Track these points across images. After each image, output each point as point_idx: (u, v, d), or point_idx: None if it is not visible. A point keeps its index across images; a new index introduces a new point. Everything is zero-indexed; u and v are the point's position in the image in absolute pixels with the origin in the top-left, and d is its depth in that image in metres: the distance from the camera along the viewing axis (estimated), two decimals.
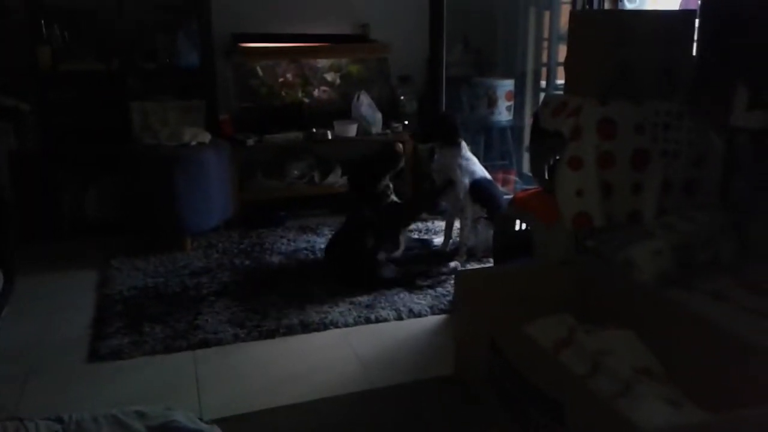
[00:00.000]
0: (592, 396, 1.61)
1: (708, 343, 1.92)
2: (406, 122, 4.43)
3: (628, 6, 3.58)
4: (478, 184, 3.48)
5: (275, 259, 3.53)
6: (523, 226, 2.97)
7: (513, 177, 4.55)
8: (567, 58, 2.71)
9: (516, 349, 1.97)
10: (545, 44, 4.78)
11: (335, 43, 4.37)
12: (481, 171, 3.53)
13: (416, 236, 3.88)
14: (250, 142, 4.03)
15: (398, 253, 3.48)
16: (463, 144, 3.54)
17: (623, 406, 1.64)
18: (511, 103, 4.54)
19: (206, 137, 3.78)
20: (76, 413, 1.94)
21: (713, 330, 1.93)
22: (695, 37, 2.57)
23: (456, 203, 3.54)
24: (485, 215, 3.50)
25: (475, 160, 3.55)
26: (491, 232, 3.37)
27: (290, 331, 2.73)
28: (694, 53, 2.58)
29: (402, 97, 4.57)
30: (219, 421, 2.05)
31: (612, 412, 1.51)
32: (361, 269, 3.20)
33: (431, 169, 3.64)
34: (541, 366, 1.84)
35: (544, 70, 4.80)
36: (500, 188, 3.86)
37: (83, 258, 3.54)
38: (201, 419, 2.01)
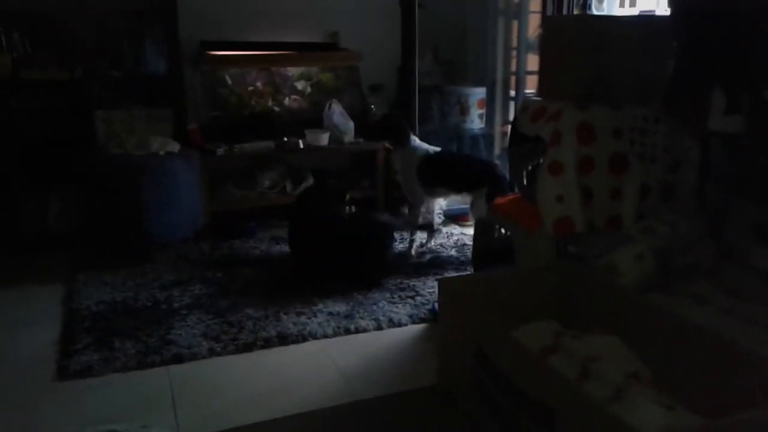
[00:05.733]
0: (586, 401, 1.58)
1: (692, 347, 1.92)
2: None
3: (596, 13, 3.62)
4: (430, 159, 3.55)
5: (248, 270, 3.45)
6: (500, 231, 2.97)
7: None
8: (542, 63, 2.71)
9: (503, 356, 1.94)
10: (514, 53, 4.81)
11: (305, 51, 4.32)
12: (432, 147, 3.62)
13: None
14: (220, 151, 3.95)
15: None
16: (413, 138, 3.62)
17: (618, 411, 1.62)
18: (483, 111, 4.56)
19: (175, 146, 3.70)
20: None
21: (697, 333, 1.93)
22: (671, 43, 2.59)
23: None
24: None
25: (422, 144, 3.64)
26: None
27: (268, 343, 2.65)
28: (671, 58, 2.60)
29: (372, 106, 4.54)
30: None
31: (608, 418, 1.48)
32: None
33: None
34: (531, 372, 1.81)
35: (513, 78, 4.83)
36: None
37: (47, 272, 3.40)
38: None
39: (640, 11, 3.53)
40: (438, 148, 3.65)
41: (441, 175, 3.52)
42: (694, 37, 2.51)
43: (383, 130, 3.73)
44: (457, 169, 3.55)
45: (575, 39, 2.52)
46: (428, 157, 3.55)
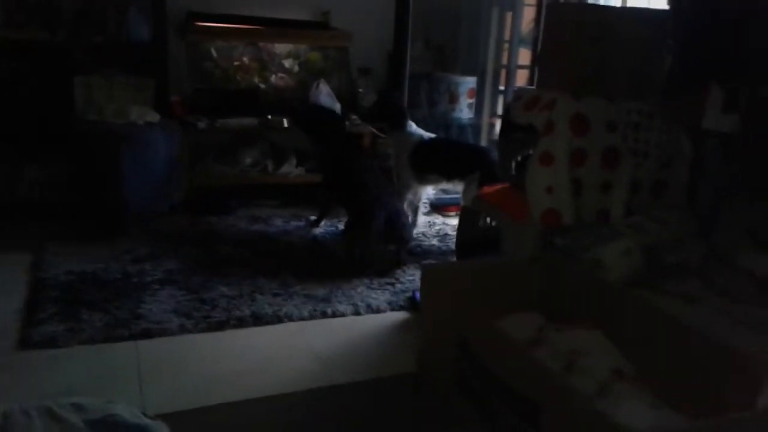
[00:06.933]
0: (573, 396, 1.52)
1: (676, 344, 1.88)
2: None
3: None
4: (424, 145, 3.50)
5: (225, 248, 3.35)
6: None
7: None
8: (541, 50, 2.66)
9: (487, 347, 1.88)
10: (506, 46, 4.75)
11: (295, 28, 4.22)
12: (427, 133, 3.59)
13: None
14: (202, 125, 3.83)
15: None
16: (409, 123, 3.59)
17: (603, 407, 1.57)
18: (473, 100, 4.49)
19: (155, 117, 3.58)
20: (3, 404, 1.74)
21: (682, 331, 1.88)
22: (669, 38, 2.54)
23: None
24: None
25: (417, 129, 3.60)
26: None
27: (241, 323, 2.57)
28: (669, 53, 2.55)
29: (360, 90, 4.45)
30: (164, 417, 1.87)
31: (596, 414, 1.43)
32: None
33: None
34: (516, 364, 1.75)
35: (503, 71, 4.77)
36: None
37: (16, 240, 3.26)
38: (144, 414, 1.85)
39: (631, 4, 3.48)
40: (433, 135, 3.60)
41: (433, 161, 3.46)
42: (693, 32, 2.47)
43: (381, 112, 3.66)
44: (450, 156, 3.50)
45: (576, 27, 2.45)
46: (422, 142, 3.51)
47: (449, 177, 3.49)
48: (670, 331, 1.92)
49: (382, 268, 3.14)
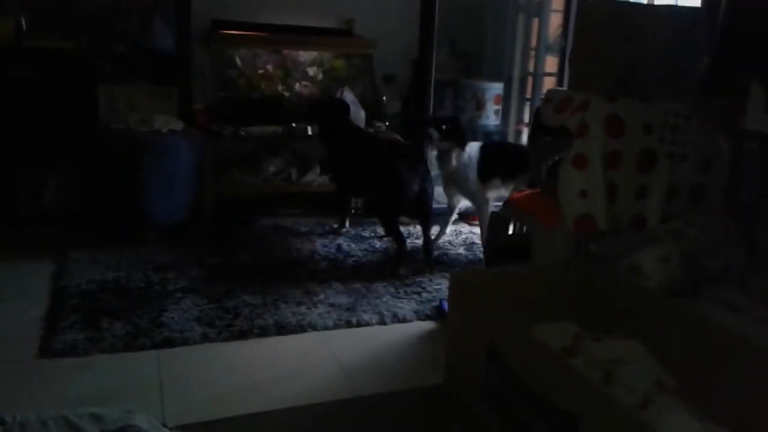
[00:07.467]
0: (618, 407, 1.43)
1: (718, 354, 1.77)
2: (387, 123, 4.26)
3: None
4: (482, 155, 3.44)
5: (247, 257, 3.31)
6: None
7: None
8: (572, 50, 2.58)
9: (519, 356, 1.79)
10: (532, 53, 4.67)
11: (319, 36, 4.18)
12: (474, 143, 3.54)
13: None
14: (226, 133, 3.80)
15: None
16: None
17: (647, 420, 1.47)
18: (500, 107, 4.41)
19: (179, 125, 3.55)
20: (21, 413, 1.70)
21: (725, 340, 1.78)
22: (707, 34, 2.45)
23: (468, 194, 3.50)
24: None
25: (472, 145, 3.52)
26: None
27: (264, 332, 2.51)
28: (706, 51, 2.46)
29: (384, 98, 4.40)
30: (184, 428, 1.84)
31: (641, 427, 1.34)
32: None
33: (445, 171, 3.50)
34: (551, 375, 1.66)
35: (530, 79, 4.69)
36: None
37: (39, 248, 3.25)
38: (164, 425, 1.80)
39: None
40: (478, 143, 3.54)
41: (494, 167, 3.41)
42: (730, 29, 2.37)
43: (449, 132, 3.50)
44: (505, 159, 3.46)
45: (607, 26, 2.37)
46: (481, 153, 3.45)
47: (508, 179, 3.42)
48: (709, 341, 1.81)
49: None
